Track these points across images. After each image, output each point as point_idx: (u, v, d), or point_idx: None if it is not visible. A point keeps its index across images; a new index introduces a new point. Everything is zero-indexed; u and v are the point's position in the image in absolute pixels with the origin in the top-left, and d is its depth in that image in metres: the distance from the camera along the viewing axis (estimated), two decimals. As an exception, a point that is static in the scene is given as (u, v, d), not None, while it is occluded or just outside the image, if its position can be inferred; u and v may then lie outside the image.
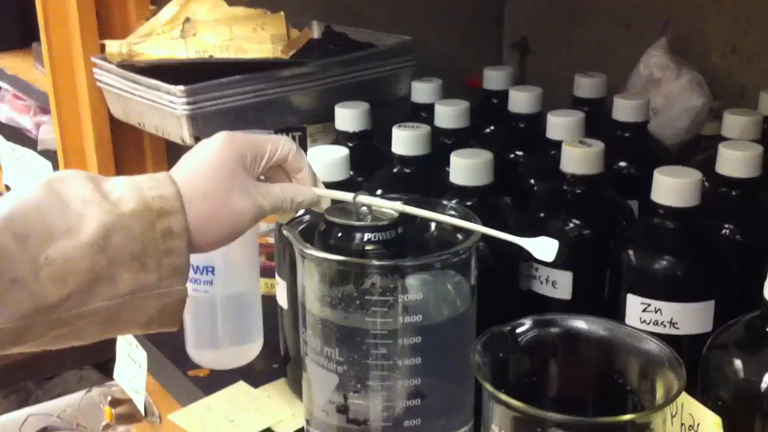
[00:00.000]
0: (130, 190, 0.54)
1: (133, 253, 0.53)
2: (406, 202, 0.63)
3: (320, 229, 0.60)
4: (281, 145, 0.60)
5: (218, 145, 0.57)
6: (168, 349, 0.86)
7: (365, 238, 0.58)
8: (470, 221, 0.62)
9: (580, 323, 0.56)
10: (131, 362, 0.89)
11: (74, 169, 0.58)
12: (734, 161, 0.71)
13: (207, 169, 0.56)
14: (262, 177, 0.61)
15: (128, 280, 0.53)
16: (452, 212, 0.64)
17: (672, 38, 0.99)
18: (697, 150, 0.96)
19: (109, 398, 0.98)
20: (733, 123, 0.81)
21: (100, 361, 1.47)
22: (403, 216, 0.60)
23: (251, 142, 0.58)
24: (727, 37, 1.02)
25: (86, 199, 0.52)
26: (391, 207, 0.60)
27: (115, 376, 0.92)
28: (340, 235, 0.59)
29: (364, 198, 0.60)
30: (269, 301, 0.84)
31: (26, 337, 0.51)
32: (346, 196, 0.61)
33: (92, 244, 0.51)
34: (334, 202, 0.62)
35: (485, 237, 0.60)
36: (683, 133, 0.97)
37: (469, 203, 0.68)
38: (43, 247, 0.50)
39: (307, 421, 0.65)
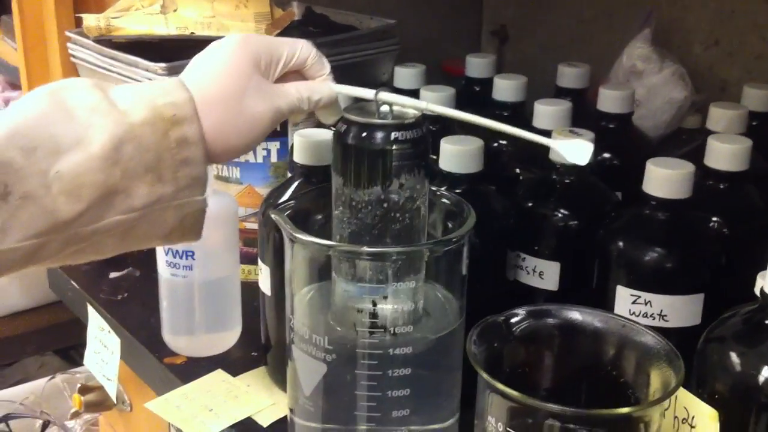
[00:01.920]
0: (140, 99, 0.51)
1: (148, 165, 0.50)
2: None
3: (339, 129, 0.56)
4: (299, 48, 0.57)
5: (231, 47, 0.55)
6: (142, 336, 0.84)
7: (391, 137, 0.54)
8: (463, 209, 0.61)
9: (575, 314, 0.56)
10: (103, 348, 0.86)
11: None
12: (723, 154, 0.71)
13: (220, 73, 0.54)
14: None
15: (144, 192, 0.51)
16: (444, 200, 0.63)
17: (654, 29, 0.99)
18: (678, 143, 0.96)
19: (78, 385, 0.95)
20: (719, 116, 0.81)
21: (61, 347, 1.43)
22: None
23: (267, 45, 0.56)
24: (710, 30, 1.02)
25: (94, 108, 0.49)
26: (414, 105, 0.57)
27: (85, 362, 0.90)
28: (363, 134, 0.55)
29: (386, 95, 0.56)
30: (246, 287, 0.82)
31: (42, 255, 0.49)
32: (367, 93, 0.57)
33: (103, 157, 0.49)
34: (355, 101, 0.59)
35: (476, 225, 0.59)
36: (665, 126, 0.97)
37: (458, 190, 0.67)
38: (52, 160, 0.48)
39: (291, 410, 0.63)
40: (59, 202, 0.48)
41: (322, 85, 0.59)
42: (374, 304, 0.56)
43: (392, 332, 0.57)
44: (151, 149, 0.50)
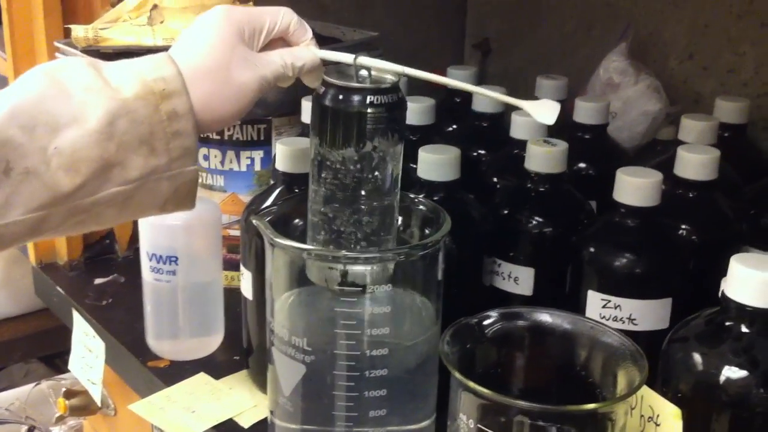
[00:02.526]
0: (131, 74, 0.54)
1: (141, 138, 0.53)
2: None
3: (318, 92, 0.58)
4: (281, 16, 0.59)
5: (214, 20, 0.57)
6: (127, 340, 0.85)
7: (366, 101, 0.56)
8: (439, 215, 0.63)
9: (545, 316, 0.58)
10: (88, 352, 0.87)
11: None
12: (692, 164, 0.73)
13: (205, 47, 0.56)
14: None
15: (139, 164, 0.53)
16: (421, 207, 0.65)
17: (632, 43, 1.02)
18: (653, 153, 0.99)
19: (63, 390, 0.96)
20: (691, 127, 0.83)
21: (46, 355, 1.44)
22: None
23: (249, 15, 0.58)
24: (685, 44, 1.04)
25: (88, 86, 0.52)
26: (392, 69, 0.58)
27: (70, 366, 0.91)
28: (339, 97, 0.56)
29: (365, 59, 0.58)
30: (229, 293, 0.84)
31: (45, 227, 0.52)
32: (347, 57, 0.59)
33: (99, 131, 0.52)
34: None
35: (451, 231, 0.61)
36: (640, 137, 0.99)
37: (435, 198, 0.69)
38: (50, 137, 0.51)
39: (272, 412, 0.65)
40: (59, 177, 0.51)
41: (305, 51, 0.60)
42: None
43: (369, 335, 0.58)
44: (144, 123, 0.53)
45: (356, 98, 0.56)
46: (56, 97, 0.51)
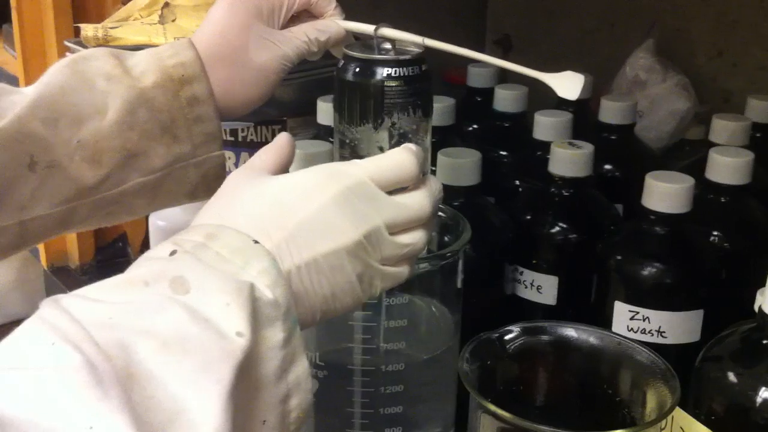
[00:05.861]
0: (151, 62, 0.53)
1: (163, 126, 0.52)
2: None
3: (339, 65, 0.55)
4: None
5: (229, 2, 0.55)
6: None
7: (383, 73, 0.52)
8: (458, 222, 0.60)
9: (569, 331, 0.55)
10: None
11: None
12: (725, 168, 0.69)
13: (220, 29, 0.55)
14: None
15: (162, 152, 0.52)
16: (440, 213, 0.62)
17: (657, 40, 0.98)
18: (681, 154, 0.95)
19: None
20: (721, 128, 0.80)
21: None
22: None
23: None
24: (713, 41, 1.01)
25: (110, 76, 0.51)
26: (412, 40, 0.55)
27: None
28: (358, 70, 0.53)
29: (386, 30, 0.55)
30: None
31: (74, 219, 0.51)
32: (368, 28, 0.56)
33: (119, 122, 0.51)
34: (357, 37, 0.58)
35: (472, 239, 0.58)
36: (668, 137, 0.96)
37: (455, 203, 0.67)
38: (73, 130, 0.50)
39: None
40: (83, 170, 0.50)
41: (330, 24, 0.58)
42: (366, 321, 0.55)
43: (385, 349, 0.56)
44: (164, 110, 0.52)
45: (372, 70, 0.52)
46: (78, 89, 0.50)
